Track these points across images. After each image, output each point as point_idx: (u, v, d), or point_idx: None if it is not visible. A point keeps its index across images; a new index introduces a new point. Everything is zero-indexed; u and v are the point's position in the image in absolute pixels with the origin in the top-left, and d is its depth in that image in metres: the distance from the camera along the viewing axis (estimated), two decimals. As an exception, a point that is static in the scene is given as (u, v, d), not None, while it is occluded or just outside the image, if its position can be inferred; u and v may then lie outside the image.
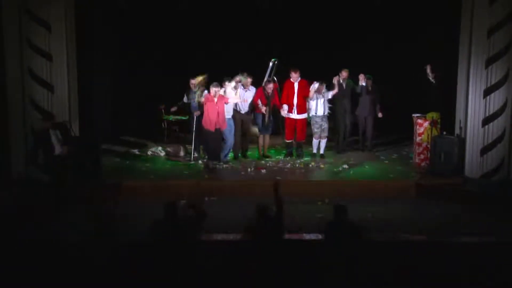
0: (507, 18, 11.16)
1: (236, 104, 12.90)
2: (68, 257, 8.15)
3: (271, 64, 13.54)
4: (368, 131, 13.94)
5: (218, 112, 12.30)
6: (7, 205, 10.28)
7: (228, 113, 12.66)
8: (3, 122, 11.36)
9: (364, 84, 13.51)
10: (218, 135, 12.44)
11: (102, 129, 13.80)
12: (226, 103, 12.47)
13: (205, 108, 12.35)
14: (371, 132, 13.95)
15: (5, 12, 11.15)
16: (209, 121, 12.31)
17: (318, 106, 13.01)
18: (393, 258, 8.03)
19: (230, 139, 12.71)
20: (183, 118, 13.96)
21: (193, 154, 12.98)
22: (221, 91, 12.45)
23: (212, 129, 12.29)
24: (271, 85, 12.97)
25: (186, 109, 13.37)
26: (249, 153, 13.50)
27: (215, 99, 12.26)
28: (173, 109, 13.90)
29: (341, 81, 13.32)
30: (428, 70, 12.94)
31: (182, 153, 13.45)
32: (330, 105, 13.31)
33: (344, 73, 13.40)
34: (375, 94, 13.69)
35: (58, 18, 11.30)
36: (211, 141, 12.44)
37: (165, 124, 14.41)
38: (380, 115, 13.79)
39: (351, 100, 13.69)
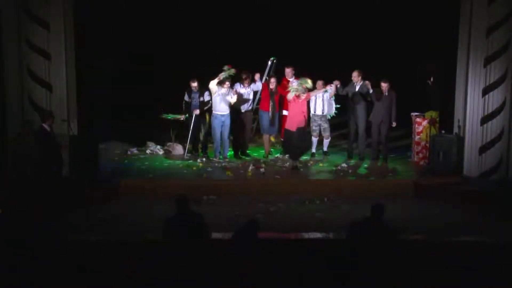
0: (506, 17, 11.21)
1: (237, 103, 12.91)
2: (66, 257, 8.18)
3: (269, 62, 13.53)
4: (381, 139, 12.74)
5: (302, 111, 12.19)
6: (5, 205, 10.24)
7: (225, 109, 12.63)
8: (1, 121, 11.35)
9: (371, 91, 12.52)
10: (301, 134, 12.23)
11: (101, 128, 13.78)
12: (309, 98, 12.38)
13: (290, 107, 12.27)
14: (385, 141, 12.75)
15: (4, 11, 11.15)
16: (293, 120, 12.19)
17: (317, 105, 12.94)
18: (392, 257, 8.03)
19: (217, 135, 12.70)
20: (180, 116, 13.92)
21: (186, 152, 13.07)
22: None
23: (294, 129, 12.18)
24: (273, 80, 12.94)
25: (186, 107, 13.36)
26: (248, 151, 13.49)
27: (301, 98, 12.16)
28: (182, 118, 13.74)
29: (354, 83, 12.79)
30: (430, 82, 12.85)
31: (181, 152, 13.45)
32: (338, 105, 13.06)
33: (354, 74, 12.72)
34: (392, 100, 12.52)
35: (57, 18, 11.30)
36: (293, 141, 12.27)
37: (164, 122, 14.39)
38: (394, 124, 12.63)
39: (365, 104, 12.80)
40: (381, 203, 7.60)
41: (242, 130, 13.15)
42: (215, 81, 12.46)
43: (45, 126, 10.82)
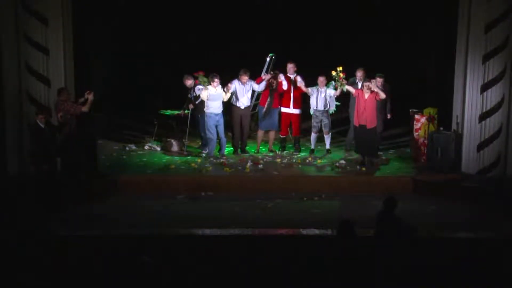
0: (505, 14, 11.21)
1: (235, 99, 12.91)
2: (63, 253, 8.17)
3: (268, 59, 13.50)
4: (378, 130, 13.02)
5: (364, 108, 12.07)
6: (2, 202, 10.24)
7: (218, 108, 12.69)
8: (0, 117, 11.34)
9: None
10: (364, 131, 12.12)
11: (99, 124, 13.77)
12: (379, 99, 12.18)
13: (356, 103, 12.23)
14: (381, 131, 13.06)
15: (2, 6, 11.13)
16: (356, 116, 12.18)
17: (318, 101, 12.89)
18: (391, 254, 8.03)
19: (213, 134, 12.74)
20: (179, 112, 13.92)
21: (185, 147, 13.11)
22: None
23: (356, 124, 12.19)
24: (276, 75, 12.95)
25: (187, 103, 13.39)
26: (247, 147, 13.46)
27: (366, 95, 12.07)
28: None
29: (357, 81, 12.90)
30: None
31: (178, 148, 13.44)
32: (338, 103, 13.03)
33: (359, 73, 12.90)
34: (386, 93, 12.60)
35: (55, 12, 11.29)
36: (358, 137, 12.28)
37: (162, 118, 14.38)
38: (388, 116, 13.12)
39: None
40: (393, 196, 7.93)
41: (241, 127, 13.15)
42: (203, 92, 12.56)
43: (37, 120, 10.70)
